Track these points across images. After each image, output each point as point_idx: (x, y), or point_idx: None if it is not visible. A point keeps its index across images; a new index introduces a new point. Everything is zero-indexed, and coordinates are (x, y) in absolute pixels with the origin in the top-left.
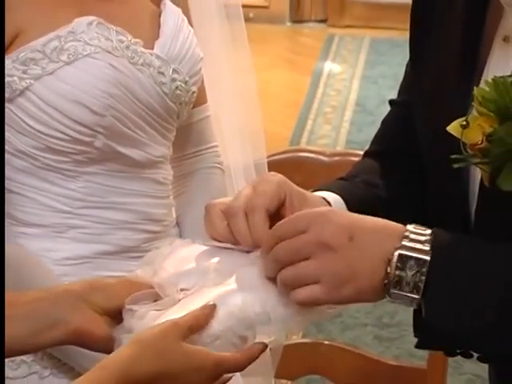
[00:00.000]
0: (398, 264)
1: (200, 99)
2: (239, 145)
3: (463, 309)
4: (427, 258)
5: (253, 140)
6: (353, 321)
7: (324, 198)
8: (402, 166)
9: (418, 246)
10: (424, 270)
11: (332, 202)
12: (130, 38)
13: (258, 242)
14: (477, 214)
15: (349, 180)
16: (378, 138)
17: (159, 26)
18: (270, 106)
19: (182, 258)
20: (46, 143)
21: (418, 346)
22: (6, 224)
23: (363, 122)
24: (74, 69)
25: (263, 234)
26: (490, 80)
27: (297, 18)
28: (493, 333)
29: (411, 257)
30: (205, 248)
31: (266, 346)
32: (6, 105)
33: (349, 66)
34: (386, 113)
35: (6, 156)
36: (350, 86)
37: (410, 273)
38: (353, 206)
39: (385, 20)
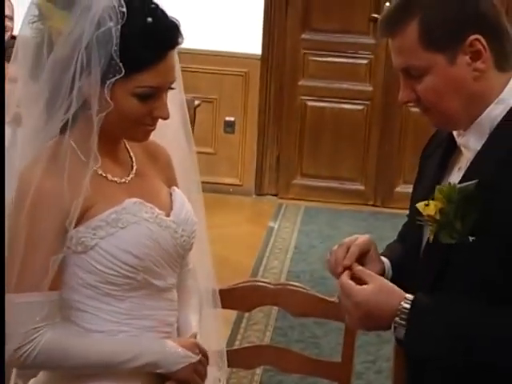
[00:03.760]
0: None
1: None
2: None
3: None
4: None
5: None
6: None
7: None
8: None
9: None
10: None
11: (386, 263)
12: (157, 211)
13: (347, 265)
14: (420, 260)
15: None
16: (399, 235)
17: (172, 202)
18: (238, 248)
19: None
20: (106, 278)
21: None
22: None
23: (299, 259)
24: (125, 231)
25: (352, 261)
26: (444, 184)
27: (259, 192)
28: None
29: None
30: None
31: None
32: (81, 256)
33: (291, 224)
34: (314, 254)
35: (79, 288)
36: (291, 236)
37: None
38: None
39: (314, 196)
